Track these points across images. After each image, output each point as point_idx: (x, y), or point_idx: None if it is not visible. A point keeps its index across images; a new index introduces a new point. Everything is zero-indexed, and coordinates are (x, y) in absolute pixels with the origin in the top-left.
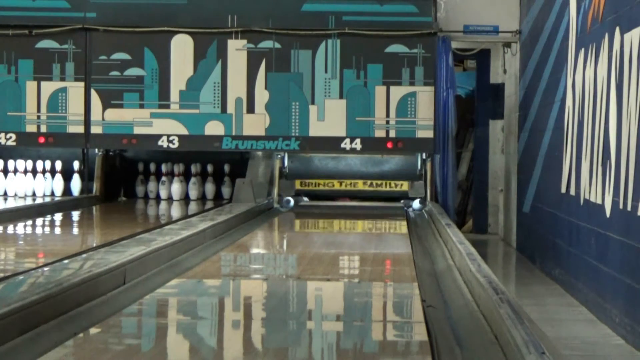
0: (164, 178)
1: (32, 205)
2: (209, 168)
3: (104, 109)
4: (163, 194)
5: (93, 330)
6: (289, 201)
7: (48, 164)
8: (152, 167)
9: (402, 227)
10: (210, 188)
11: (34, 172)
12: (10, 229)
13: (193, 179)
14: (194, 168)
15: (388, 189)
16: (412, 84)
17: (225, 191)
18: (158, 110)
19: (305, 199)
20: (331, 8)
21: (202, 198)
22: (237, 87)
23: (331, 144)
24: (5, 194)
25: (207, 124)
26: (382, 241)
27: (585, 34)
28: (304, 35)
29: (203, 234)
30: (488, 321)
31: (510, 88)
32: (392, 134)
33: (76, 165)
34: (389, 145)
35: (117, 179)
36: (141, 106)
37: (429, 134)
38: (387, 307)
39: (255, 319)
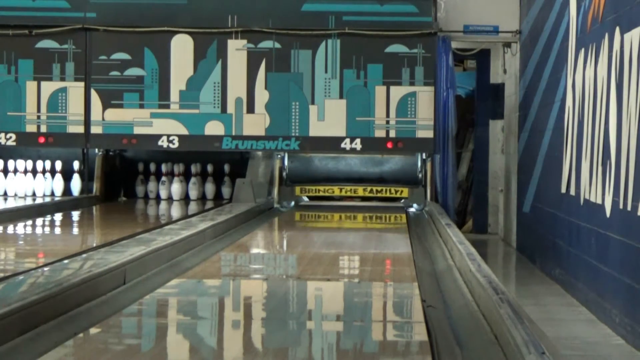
0: (164, 178)
1: (32, 205)
2: (209, 168)
3: (104, 109)
4: (163, 194)
5: (93, 330)
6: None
7: (48, 164)
8: (152, 167)
9: (402, 227)
10: (210, 188)
11: (34, 172)
12: (10, 229)
13: (193, 179)
14: (194, 168)
15: (388, 195)
16: (412, 84)
17: (225, 191)
18: (158, 110)
19: (305, 198)
20: (331, 8)
21: (202, 198)
22: (237, 87)
23: (331, 144)
24: (5, 194)
25: (207, 124)
26: (382, 241)
27: (585, 34)
28: (304, 35)
29: (203, 234)
30: (488, 321)
31: (510, 88)
32: (392, 134)
33: (76, 165)
34: (389, 145)
35: (117, 179)
36: (141, 106)
37: (429, 134)
38: (387, 307)
39: (255, 319)
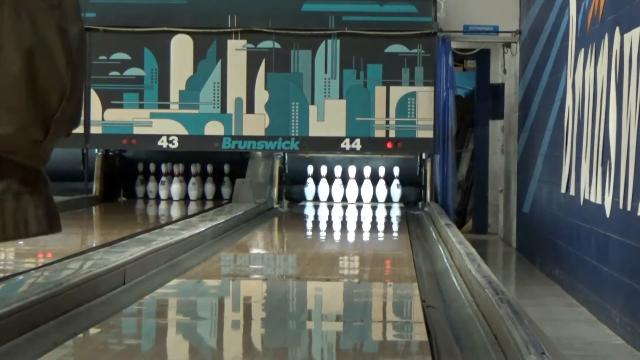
0: (163, 178)
1: None
2: (209, 168)
3: (103, 109)
4: (163, 194)
5: (93, 331)
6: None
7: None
8: (152, 167)
9: (402, 227)
10: (210, 188)
11: None
12: None
13: (193, 179)
14: (194, 168)
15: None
16: (412, 84)
17: (225, 191)
18: (158, 111)
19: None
20: (331, 8)
21: (202, 198)
22: (236, 87)
23: (331, 144)
24: None
25: (206, 124)
26: (382, 241)
27: (585, 34)
28: (304, 35)
29: (203, 234)
30: (488, 321)
31: (510, 88)
32: (392, 134)
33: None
34: (389, 145)
35: (116, 179)
36: (141, 106)
37: (429, 134)
38: (387, 307)
39: (255, 319)
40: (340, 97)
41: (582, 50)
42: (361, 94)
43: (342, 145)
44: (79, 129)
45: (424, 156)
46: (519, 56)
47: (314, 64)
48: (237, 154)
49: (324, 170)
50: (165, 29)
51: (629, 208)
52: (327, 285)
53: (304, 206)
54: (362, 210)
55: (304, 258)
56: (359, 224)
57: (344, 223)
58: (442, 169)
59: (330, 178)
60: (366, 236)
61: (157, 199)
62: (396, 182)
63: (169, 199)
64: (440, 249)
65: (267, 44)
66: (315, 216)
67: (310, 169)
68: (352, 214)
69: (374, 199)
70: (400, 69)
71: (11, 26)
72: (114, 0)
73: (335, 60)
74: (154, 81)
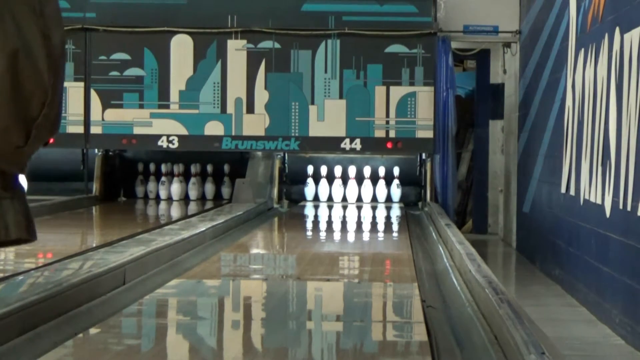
0: (163, 178)
1: (31, 205)
2: (209, 168)
3: (103, 109)
4: (163, 194)
5: (93, 331)
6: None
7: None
8: (152, 167)
9: (402, 227)
10: (210, 188)
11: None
12: None
13: (193, 179)
14: (194, 168)
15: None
16: (412, 84)
17: (225, 191)
18: (158, 111)
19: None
20: (331, 8)
21: (202, 198)
22: (236, 87)
23: (331, 144)
24: None
25: (206, 124)
26: (382, 241)
27: (585, 34)
28: (304, 35)
29: (203, 234)
30: (488, 321)
31: (510, 88)
32: (392, 134)
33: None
34: (389, 145)
35: (116, 179)
36: (141, 106)
37: (429, 134)
38: (387, 308)
39: (255, 319)
40: (340, 97)
41: (582, 50)
42: (361, 94)
43: (342, 145)
44: (79, 129)
45: (424, 156)
46: (519, 56)
47: (314, 64)
48: (237, 154)
49: (324, 170)
50: (165, 29)
51: (629, 208)
52: (327, 285)
53: (304, 206)
54: (362, 210)
55: (304, 258)
56: (359, 224)
57: (344, 223)
58: (442, 169)
59: (330, 178)
60: (366, 236)
61: (157, 199)
62: (396, 182)
63: (169, 199)
64: (440, 249)
65: (267, 44)
66: (315, 216)
67: (310, 169)
68: (352, 214)
69: (374, 199)
70: (400, 69)
71: None
72: (114, 0)
73: (335, 60)
74: (154, 81)
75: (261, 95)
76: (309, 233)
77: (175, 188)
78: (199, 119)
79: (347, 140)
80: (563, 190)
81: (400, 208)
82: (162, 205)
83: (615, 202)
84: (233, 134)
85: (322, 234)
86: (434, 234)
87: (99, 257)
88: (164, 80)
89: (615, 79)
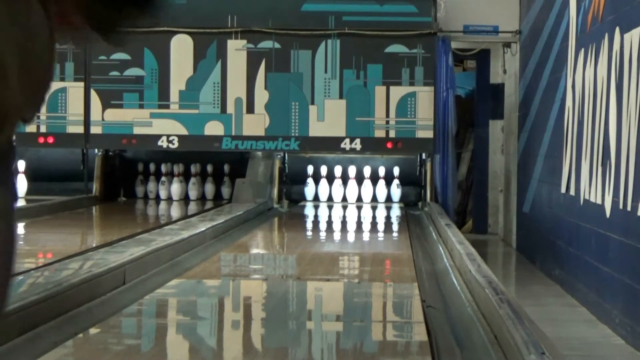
0: (163, 178)
1: (31, 205)
2: (209, 168)
3: (103, 109)
4: (163, 194)
5: (93, 331)
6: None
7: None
8: (152, 167)
9: (402, 227)
10: (210, 188)
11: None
12: None
13: (193, 179)
14: (194, 168)
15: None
16: (412, 84)
17: (225, 191)
18: (158, 111)
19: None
20: (331, 8)
21: (202, 198)
22: (236, 87)
23: (331, 144)
24: None
25: (206, 124)
26: (382, 241)
27: (585, 34)
28: (304, 35)
29: (203, 234)
30: (488, 321)
31: (510, 88)
32: (392, 134)
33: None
34: (389, 145)
35: (116, 179)
36: (141, 106)
37: (429, 134)
38: (387, 308)
39: (255, 319)
40: (340, 97)
41: (582, 50)
42: (361, 94)
43: (342, 145)
44: (79, 129)
45: (424, 156)
46: (519, 56)
47: (314, 64)
48: (237, 154)
49: (324, 170)
50: (165, 29)
51: (629, 208)
52: (327, 285)
53: (304, 206)
54: (362, 210)
55: (304, 258)
56: (359, 224)
57: (344, 223)
58: (442, 169)
59: (330, 178)
60: (366, 236)
61: (157, 199)
62: (396, 182)
63: (169, 199)
64: (440, 249)
65: (267, 44)
66: (315, 216)
67: (310, 169)
68: (352, 214)
69: (374, 199)
70: (400, 69)
71: None
72: None
73: (335, 60)
74: (154, 81)
75: (261, 95)
76: (309, 233)
77: (175, 188)
78: (199, 119)
79: (347, 140)
80: (563, 190)
81: (400, 208)
82: (162, 205)
83: (615, 202)
84: (233, 134)
85: (322, 234)
86: (434, 234)
87: (99, 257)
88: (164, 80)
89: (615, 79)
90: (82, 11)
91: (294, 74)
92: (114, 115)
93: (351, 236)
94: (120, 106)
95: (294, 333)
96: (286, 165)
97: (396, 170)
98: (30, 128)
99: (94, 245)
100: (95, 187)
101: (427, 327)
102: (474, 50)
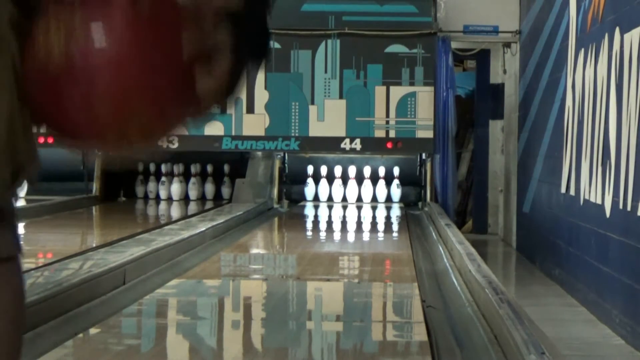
0: (163, 178)
1: (31, 205)
2: (209, 168)
3: None
4: (163, 194)
5: (93, 331)
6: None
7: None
8: (152, 167)
9: (402, 227)
10: (210, 188)
11: None
12: None
13: (193, 179)
14: (194, 168)
15: None
16: (412, 84)
17: (225, 191)
18: None
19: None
20: (331, 8)
21: (202, 198)
22: None
23: (331, 144)
24: None
25: (206, 124)
26: (382, 241)
27: (585, 34)
28: (304, 35)
29: (203, 234)
30: (488, 321)
31: (510, 88)
32: (392, 134)
33: None
34: (389, 145)
35: (116, 179)
36: None
37: (429, 134)
38: (387, 308)
39: (255, 319)
40: (340, 97)
41: (582, 50)
42: (361, 94)
43: (342, 145)
44: None
45: (424, 156)
46: (519, 56)
47: (314, 64)
48: (237, 154)
49: (324, 170)
50: None
51: (629, 208)
52: (327, 285)
53: (304, 206)
54: (362, 210)
55: (304, 258)
56: (359, 224)
57: (344, 223)
58: (442, 169)
59: (330, 178)
60: (366, 236)
61: (157, 199)
62: (396, 182)
63: (169, 199)
64: (440, 249)
65: None
66: (315, 216)
67: (310, 169)
68: (352, 214)
69: (374, 199)
70: (400, 69)
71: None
72: None
73: (335, 60)
74: None
75: (261, 95)
76: (309, 233)
77: (175, 188)
78: None
79: (347, 140)
80: (563, 190)
81: (400, 208)
82: (162, 205)
83: (615, 202)
84: (233, 134)
85: (322, 234)
86: (434, 234)
87: (99, 257)
88: None
89: (615, 79)
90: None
91: (294, 74)
92: None
93: (351, 236)
94: None
95: (294, 333)
96: (286, 165)
97: (396, 170)
98: None
99: (94, 245)
100: (95, 187)
101: (427, 327)
102: (474, 50)
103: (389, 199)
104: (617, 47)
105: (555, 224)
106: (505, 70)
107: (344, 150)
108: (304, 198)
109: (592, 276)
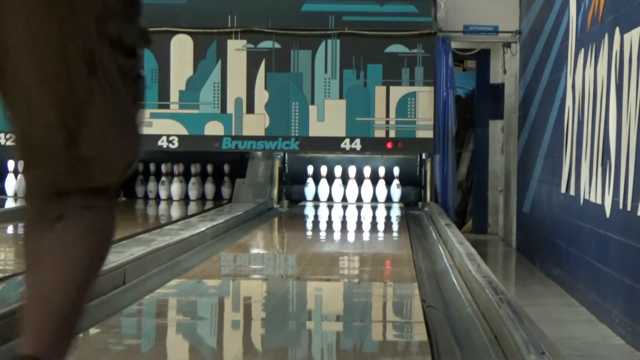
0: (163, 178)
1: None
2: (209, 168)
3: None
4: (163, 194)
5: (93, 331)
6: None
7: None
8: (152, 167)
9: (402, 227)
10: (210, 188)
11: None
12: (10, 229)
13: (193, 179)
14: (194, 168)
15: None
16: (412, 84)
17: (225, 191)
18: (158, 111)
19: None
20: (331, 8)
21: (202, 198)
22: (236, 87)
23: (331, 144)
24: (4, 194)
25: (206, 124)
26: (382, 241)
27: (585, 34)
28: (304, 35)
29: (203, 234)
30: (488, 321)
31: (510, 88)
32: (392, 134)
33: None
34: (389, 145)
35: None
36: None
37: (429, 134)
38: (387, 308)
39: (255, 319)
40: (340, 97)
41: (582, 50)
42: (361, 94)
43: (342, 145)
44: None
45: (424, 156)
46: (519, 56)
47: (314, 64)
48: (237, 154)
49: (324, 170)
50: (165, 29)
51: (629, 208)
52: (327, 285)
53: (304, 206)
54: (362, 210)
55: (304, 258)
56: (359, 224)
57: (344, 223)
58: (442, 169)
59: (330, 178)
60: (366, 236)
61: (157, 199)
62: (396, 182)
63: (169, 199)
64: (440, 249)
65: (267, 44)
66: (315, 216)
67: (310, 169)
68: (352, 214)
69: (374, 199)
70: (400, 69)
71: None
72: None
73: (335, 60)
74: (153, 81)
75: (261, 95)
76: (309, 233)
77: (175, 188)
78: (199, 119)
79: (347, 140)
80: (563, 190)
81: (400, 208)
82: (162, 205)
83: (615, 202)
84: (233, 134)
85: (322, 234)
86: (434, 234)
87: None
88: (164, 80)
89: (615, 79)
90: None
91: (294, 74)
92: None
93: (351, 236)
94: None
95: (294, 333)
96: (286, 165)
97: (396, 170)
98: None
99: None
100: None
101: (427, 327)
102: (474, 50)
103: (389, 199)
104: (617, 47)
105: (555, 224)
106: (505, 70)
107: (344, 150)
108: (304, 198)
109: (592, 276)
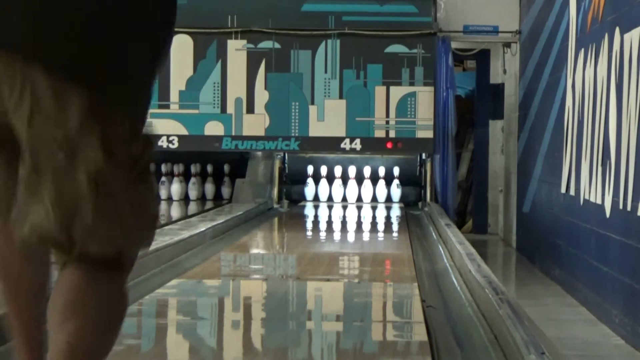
0: (163, 178)
1: None
2: (209, 168)
3: None
4: (163, 194)
5: None
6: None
7: None
8: (152, 167)
9: (402, 227)
10: (210, 188)
11: None
12: None
13: (193, 179)
14: (194, 168)
15: None
16: (412, 84)
17: (225, 191)
18: (158, 111)
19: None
20: (331, 8)
21: (202, 198)
22: (237, 87)
23: (331, 144)
24: None
25: (206, 124)
26: (382, 241)
27: (585, 34)
28: (304, 35)
29: (203, 234)
30: (488, 321)
31: (510, 88)
32: (392, 134)
33: None
34: (389, 145)
35: None
36: None
37: (429, 134)
38: (387, 308)
39: (255, 319)
40: (340, 97)
41: (582, 50)
42: (361, 94)
43: (342, 145)
44: None
45: (424, 156)
46: (519, 56)
47: (314, 64)
48: (237, 154)
49: (324, 170)
50: None
51: (629, 208)
52: (327, 285)
53: (304, 206)
54: (362, 210)
55: (304, 258)
56: (359, 224)
57: (344, 223)
58: (442, 169)
59: (330, 178)
60: (366, 236)
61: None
62: (396, 182)
63: (169, 199)
64: (440, 249)
65: (267, 44)
66: (315, 216)
67: (310, 169)
68: (352, 214)
69: (374, 199)
70: (400, 69)
71: None
72: None
73: (335, 60)
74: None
75: (261, 95)
76: (309, 233)
77: (175, 188)
78: (199, 119)
79: (347, 140)
80: (563, 190)
81: (400, 208)
82: (162, 205)
83: (615, 202)
84: (233, 134)
85: (322, 234)
86: (434, 234)
87: None
88: (164, 80)
89: (615, 79)
90: None
91: (294, 74)
92: None
93: (351, 236)
94: None
95: (294, 333)
96: (286, 165)
97: (396, 170)
98: None
99: None
100: None
101: (427, 327)
102: (474, 50)
103: (389, 199)
104: (617, 47)
105: (555, 224)
106: (505, 70)
107: (344, 150)
108: (304, 198)
109: (592, 276)
